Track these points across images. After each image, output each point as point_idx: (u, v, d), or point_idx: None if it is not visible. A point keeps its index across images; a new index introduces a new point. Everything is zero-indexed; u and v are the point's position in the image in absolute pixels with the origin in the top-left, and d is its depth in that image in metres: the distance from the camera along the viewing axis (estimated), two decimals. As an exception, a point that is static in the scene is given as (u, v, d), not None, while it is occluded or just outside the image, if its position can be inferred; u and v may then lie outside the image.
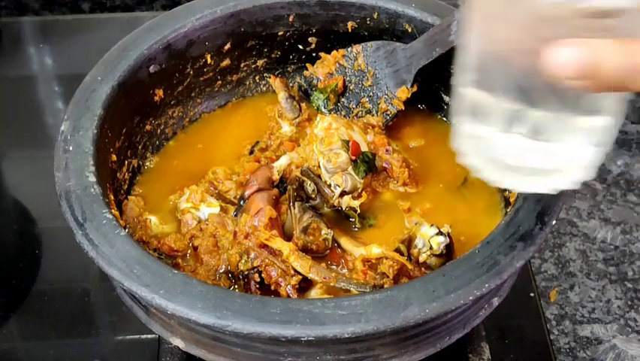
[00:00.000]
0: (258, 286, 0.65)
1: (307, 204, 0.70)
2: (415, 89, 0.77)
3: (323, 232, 0.68)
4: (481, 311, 0.64)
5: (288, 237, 0.68)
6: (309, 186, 0.71)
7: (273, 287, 0.65)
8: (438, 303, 0.56)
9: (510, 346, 0.77)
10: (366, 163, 0.72)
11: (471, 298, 0.57)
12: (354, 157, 0.72)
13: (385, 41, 0.78)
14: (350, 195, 0.71)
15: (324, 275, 0.65)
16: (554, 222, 0.61)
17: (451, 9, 0.76)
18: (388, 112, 0.77)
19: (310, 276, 0.65)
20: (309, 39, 0.81)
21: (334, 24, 0.80)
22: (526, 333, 0.79)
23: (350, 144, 0.72)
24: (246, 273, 0.65)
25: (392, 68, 0.77)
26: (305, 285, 0.65)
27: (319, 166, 0.72)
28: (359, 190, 0.72)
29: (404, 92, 0.76)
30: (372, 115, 0.78)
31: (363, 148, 0.73)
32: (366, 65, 0.78)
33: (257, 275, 0.65)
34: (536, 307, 0.80)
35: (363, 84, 0.79)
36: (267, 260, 0.65)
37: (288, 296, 0.64)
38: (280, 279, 0.65)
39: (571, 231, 0.88)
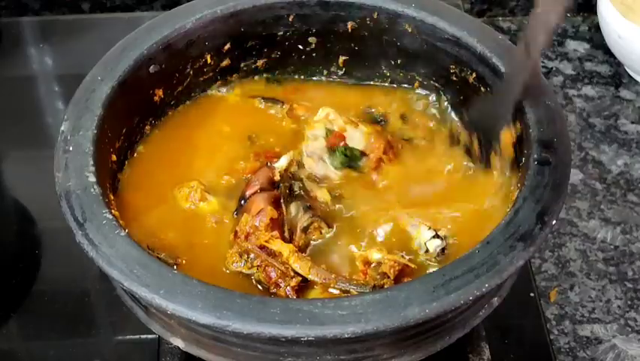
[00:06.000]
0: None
1: (307, 204, 0.70)
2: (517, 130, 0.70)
3: (324, 231, 0.68)
4: (481, 311, 0.64)
5: (289, 237, 0.68)
6: (296, 185, 0.71)
7: (272, 288, 0.65)
8: (438, 303, 0.56)
9: (510, 346, 0.77)
10: (346, 157, 0.72)
11: (471, 298, 0.57)
12: (331, 146, 0.72)
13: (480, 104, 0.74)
14: (325, 189, 0.71)
15: (323, 277, 0.65)
16: (554, 222, 0.61)
17: (451, 9, 0.76)
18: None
19: (310, 277, 0.65)
20: (309, 39, 0.81)
21: (334, 24, 0.80)
22: (526, 333, 0.79)
23: (332, 133, 0.72)
24: (246, 274, 0.65)
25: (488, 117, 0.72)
26: (304, 285, 0.65)
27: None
28: (334, 182, 0.72)
29: (507, 135, 0.70)
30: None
31: (358, 145, 0.73)
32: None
33: (256, 275, 0.65)
34: (536, 307, 0.80)
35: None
36: (266, 261, 0.65)
37: (287, 297, 0.64)
38: (280, 280, 0.65)
39: (571, 231, 0.88)
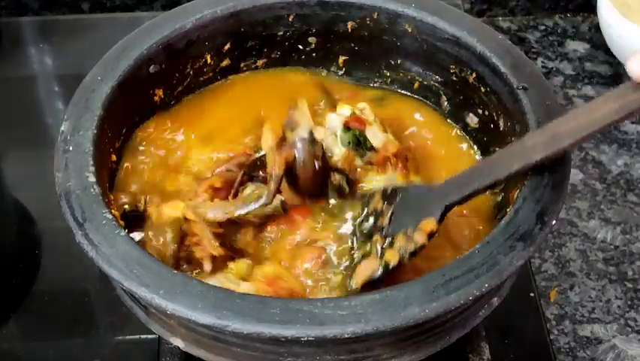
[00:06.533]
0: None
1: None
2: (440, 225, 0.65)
3: (262, 193, 0.69)
4: (481, 311, 0.64)
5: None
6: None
7: (192, 247, 0.66)
8: (438, 303, 0.56)
9: (510, 346, 0.77)
10: (356, 139, 0.73)
11: (471, 298, 0.57)
12: (346, 124, 0.73)
13: (410, 187, 0.69)
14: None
15: (222, 212, 0.66)
16: (554, 222, 0.61)
17: (451, 9, 0.76)
18: (405, 249, 0.64)
19: (210, 217, 0.66)
20: (309, 39, 0.81)
21: (334, 24, 0.80)
22: (526, 333, 0.79)
23: (355, 116, 0.73)
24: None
25: (416, 204, 0.66)
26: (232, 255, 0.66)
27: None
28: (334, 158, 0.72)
29: (430, 224, 0.64)
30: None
31: (374, 142, 0.73)
32: (384, 204, 0.68)
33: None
34: (536, 307, 0.80)
35: (377, 223, 0.68)
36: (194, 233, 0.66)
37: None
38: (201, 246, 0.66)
39: (571, 231, 0.88)
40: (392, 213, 0.66)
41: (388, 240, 0.65)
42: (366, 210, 0.68)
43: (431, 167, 0.75)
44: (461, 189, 0.64)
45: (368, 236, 0.67)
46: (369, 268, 0.64)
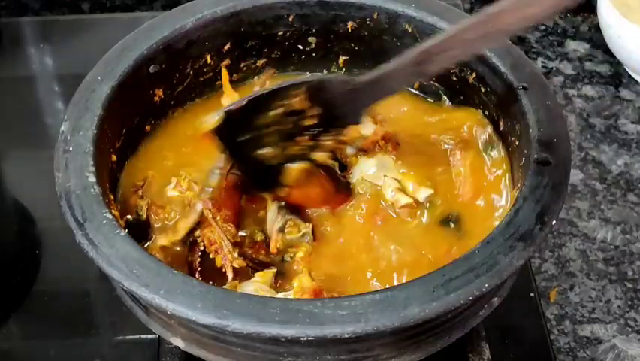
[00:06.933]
0: (200, 253, 0.66)
1: (281, 204, 0.70)
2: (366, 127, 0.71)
3: (302, 227, 0.68)
4: (481, 311, 0.64)
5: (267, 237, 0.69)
6: None
7: (212, 255, 0.65)
8: (438, 303, 0.56)
9: (510, 346, 0.77)
10: None
11: (471, 298, 0.57)
12: None
13: (327, 78, 0.73)
14: None
15: (228, 254, 0.66)
16: (554, 222, 0.61)
17: (451, 9, 0.76)
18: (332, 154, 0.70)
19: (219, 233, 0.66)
20: (309, 39, 0.81)
21: (334, 24, 0.80)
22: (526, 333, 0.79)
23: None
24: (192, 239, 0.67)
25: (340, 105, 0.69)
26: (254, 266, 0.66)
27: None
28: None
29: (354, 131, 0.69)
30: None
31: (364, 132, 0.73)
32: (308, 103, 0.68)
33: (201, 243, 0.66)
34: (536, 307, 0.80)
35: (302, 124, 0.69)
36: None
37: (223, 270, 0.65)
38: (219, 249, 0.66)
39: (571, 231, 0.88)
40: (318, 115, 0.68)
41: (315, 142, 0.68)
42: (283, 107, 0.68)
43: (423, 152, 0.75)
44: (384, 89, 0.66)
45: (290, 136, 0.68)
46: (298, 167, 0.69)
